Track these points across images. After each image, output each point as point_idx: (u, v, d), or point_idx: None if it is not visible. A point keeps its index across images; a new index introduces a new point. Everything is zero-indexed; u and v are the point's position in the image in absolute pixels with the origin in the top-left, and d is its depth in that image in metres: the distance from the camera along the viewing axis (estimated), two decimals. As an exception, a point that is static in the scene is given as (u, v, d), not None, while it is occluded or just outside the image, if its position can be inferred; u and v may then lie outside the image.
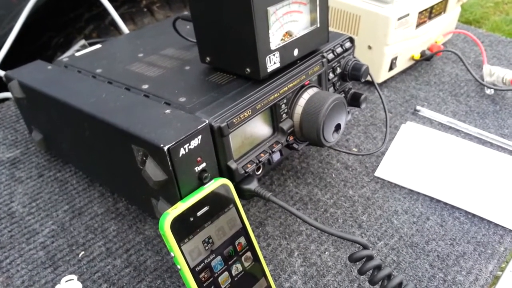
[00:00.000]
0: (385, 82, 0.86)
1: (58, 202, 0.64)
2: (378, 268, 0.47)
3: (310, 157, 0.69)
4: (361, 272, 0.47)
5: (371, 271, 0.47)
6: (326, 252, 0.56)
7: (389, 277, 0.47)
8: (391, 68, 0.83)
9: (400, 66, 0.85)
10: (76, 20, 1.09)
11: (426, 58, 0.87)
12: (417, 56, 0.86)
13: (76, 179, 0.67)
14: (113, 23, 1.05)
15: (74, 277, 0.53)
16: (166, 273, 0.54)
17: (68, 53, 0.96)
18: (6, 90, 0.70)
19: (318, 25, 0.55)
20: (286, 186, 0.65)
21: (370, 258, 0.47)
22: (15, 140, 0.75)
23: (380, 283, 0.47)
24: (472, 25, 2.29)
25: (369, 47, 0.81)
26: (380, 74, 0.82)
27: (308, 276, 0.53)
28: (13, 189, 0.66)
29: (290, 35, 0.53)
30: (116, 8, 0.89)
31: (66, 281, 0.53)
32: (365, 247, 0.47)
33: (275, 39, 0.51)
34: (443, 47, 0.88)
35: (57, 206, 0.63)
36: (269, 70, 0.51)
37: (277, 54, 0.51)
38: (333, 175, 0.66)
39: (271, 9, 0.49)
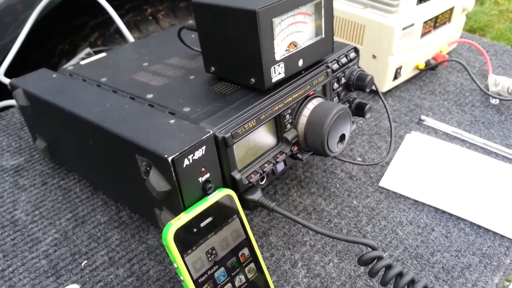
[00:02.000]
0: (389, 91, 0.86)
1: (61, 210, 0.64)
2: (389, 267, 0.46)
3: (314, 167, 0.69)
4: (372, 273, 0.46)
5: (382, 271, 0.47)
6: (330, 263, 0.55)
7: (400, 275, 0.46)
8: (395, 78, 0.82)
9: (405, 75, 0.85)
10: (81, 28, 1.09)
11: (431, 67, 0.87)
12: (422, 65, 0.86)
13: (80, 187, 0.67)
14: (118, 31, 1.05)
15: (77, 286, 0.53)
16: (169, 283, 0.54)
17: (73, 61, 0.96)
18: (11, 97, 0.70)
19: (323, 36, 0.55)
20: (290, 196, 0.64)
21: (379, 258, 0.47)
22: (19, 148, 0.76)
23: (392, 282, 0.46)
24: (476, 33, 2.29)
25: (374, 57, 0.80)
26: (385, 84, 0.82)
27: (312, 287, 0.53)
28: (16, 197, 0.66)
29: (295, 46, 0.53)
30: (121, 16, 0.90)
31: (69, 291, 0.53)
32: (373, 248, 0.47)
33: (280, 50, 0.51)
34: (448, 57, 0.88)
35: (60, 215, 0.63)
36: (273, 80, 0.51)
37: (282, 64, 0.51)
38: (337, 185, 0.66)
39: (276, 20, 0.49)
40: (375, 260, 0.47)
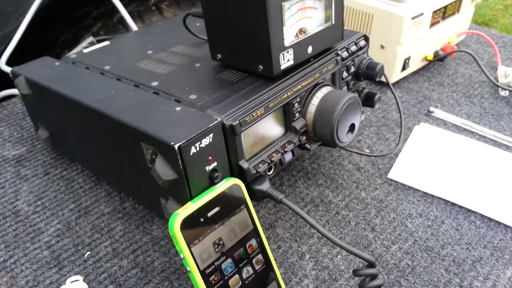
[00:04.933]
0: (397, 82, 0.84)
1: (64, 200, 0.62)
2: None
3: (321, 158, 0.68)
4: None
5: None
6: (339, 256, 0.54)
7: None
8: (404, 68, 0.81)
9: (413, 66, 0.83)
10: (84, 18, 1.08)
11: (439, 58, 0.85)
12: (430, 56, 0.84)
13: (83, 177, 0.66)
14: (121, 21, 1.04)
15: (80, 277, 0.52)
16: (174, 274, 0.53)
17: (76, 49, 0.95)
18: (13, 86, 0.69)
19: (333, 22, 0.53)
20: (297, 187, 0.63)
21: (374, 277, 0.46)
22: (21, 138, 0.74)
23: None
24: (482, 27, 2.27)
25: (382, 47, 0.79)
26: (393, 74, 0.81)
27: (320, 280, 0.52)
28: (18, 187, 0.65)
29: (304, 32, 0.51)
30: (125, 6, 0.88)
31: (72, 282, 0.51)
32: (372, 265, 0.46)
33: (289, 36, 0.49)
34: (457, 48, 0.86)
35: (62, 205, 0.62)
36: (282, 67, 0.50)
37: (291, 51, 0.50)
38: (345, 177, 0.65)
39: (285, 5, 0.47)
40: (369, 278, 0.47)
